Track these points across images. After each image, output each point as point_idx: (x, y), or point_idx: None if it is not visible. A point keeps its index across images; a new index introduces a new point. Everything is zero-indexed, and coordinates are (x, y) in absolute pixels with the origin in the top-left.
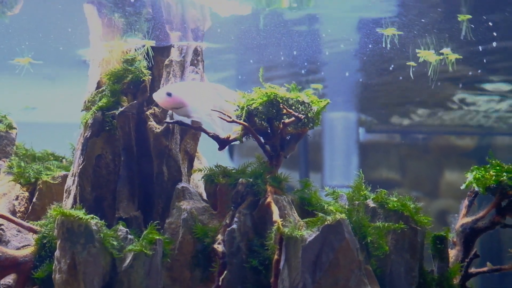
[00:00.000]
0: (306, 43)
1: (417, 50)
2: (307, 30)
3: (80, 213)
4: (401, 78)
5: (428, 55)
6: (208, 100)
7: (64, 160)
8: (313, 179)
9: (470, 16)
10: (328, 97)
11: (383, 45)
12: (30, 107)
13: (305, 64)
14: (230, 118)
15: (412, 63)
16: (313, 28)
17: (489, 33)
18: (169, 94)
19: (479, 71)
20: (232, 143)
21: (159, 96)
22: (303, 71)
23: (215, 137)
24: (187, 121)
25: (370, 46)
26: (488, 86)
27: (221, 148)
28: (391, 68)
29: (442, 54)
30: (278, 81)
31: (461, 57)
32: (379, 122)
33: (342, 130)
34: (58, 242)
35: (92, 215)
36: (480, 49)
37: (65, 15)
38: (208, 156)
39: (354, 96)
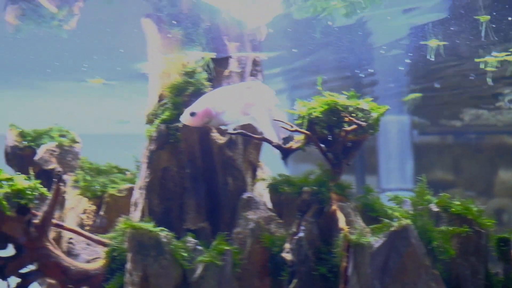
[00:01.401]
0: (357, 47)
1: (475, 60)
2: (358, 34)
3: (150, 226)
4: (453, 79)
5: (489, 60)
6: (239, 102)
7: (128, 172)
8: (369, 182)
9: (489, 17)
10: (381, 101)
11: (429, 57)
12: (124, 121)
13: (357, 68)
14: (292, 127)
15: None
16: (364, 32)
17: None
18: (192, 114)
19: None
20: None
21: (185, 119)
22: (357, 75)
23: (278, 147)
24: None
25: (420, 49)
26: None
27: (284, 157)
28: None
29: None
30: (329, 85)
31: None
32: (432, 124)
33: (396, 133)
34: (129, 255)
35: (161, 228)
36: None
37: (120, 30)
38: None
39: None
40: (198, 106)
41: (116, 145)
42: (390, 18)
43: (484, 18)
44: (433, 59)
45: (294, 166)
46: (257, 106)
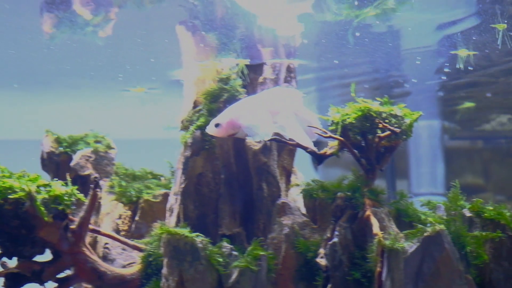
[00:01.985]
0: (389, 54)
1: None
2: (390, 41)
3: (186, 231)
4: (482, 85)
5: None
6: (264, 112)
7: (162, 178)
8: (399, 187)
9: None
10: (411, 106)
11: (458, 66)
12: (171, 126)
13: (389, 75)
14: (327, 133)
15: None
16: (396, 39)
17: None
18: (217, 125)
19: None
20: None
21: (210, 130)
22: (386, 80)
23: (313, 153)
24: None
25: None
26: None
27: (319, 163)
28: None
29: None
30: (359, 86)
31: None
32: (462, 129)
33: (426, 137)
34: (165, 260)
35: (197, 233)
36: None
37: (154, 36)
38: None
39: (437, 104)
40: (223, 117)
41: (149, 150)
42: (421, 19)
43: (501, 26)
44: (462, 68)
45: (324, 171)
46: (283, 114)
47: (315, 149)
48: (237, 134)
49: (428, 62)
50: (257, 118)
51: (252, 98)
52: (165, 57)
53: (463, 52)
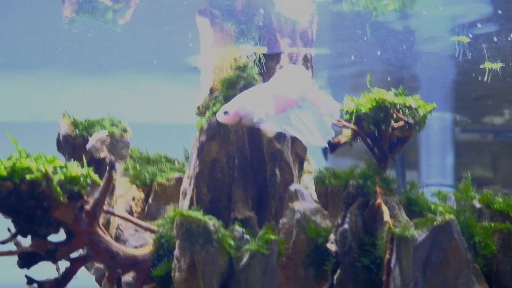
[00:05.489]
0: (400, 42)
1: None
2: (405, 33)
3: (199, 214)
4: (494, 77)
5: None
6: (268, 102)
7: (176, 162)
8: (409, 177)
9: None
10: (424, 98)
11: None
12: None
13: (398, 64)
14: (341, 123)
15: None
16: (411, 32)
17: None
18: (225, 113)
19: None
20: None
21: (219, 117)
22: (399, 72)
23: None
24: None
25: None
26: None
27: (331, 151)
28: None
29: None
30: (375, 83)
31: None
32: (473, 122)
33: (438, 129)
34: (178, 242)
35: (209, 216)
36: None
37: (174, 24)
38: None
39: (449, 97)
40: (231, 105)
41: (163, 135)
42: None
43: None
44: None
45: (334, 160)
46: (292, 109)
47: (322, 143)
48: (243, 121)
49: (443, 54)
50: (258, 107)
51: (263, 85)
52: (183, 44)
53: (489, 65)
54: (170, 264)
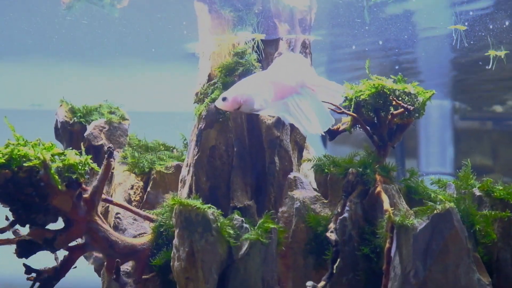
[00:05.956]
0: (399, 28)
1: None
2: (404, 22)
3: (198, 203)
4: (494, 65)
5: None
6: (266, 89)
7: (174, 150)
8: (408, 165)
9: None
10: (423, 85)
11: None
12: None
13: (397, 50)
14: (340, 109)
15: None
16: (410, 21)
17: None
18: (224, 99)
19: None
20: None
21: (218, 104)
22: (398, 58)
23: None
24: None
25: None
26: None
27: (331, 138)
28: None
29: None
30: (373, 70)
31: None
32: (473, 109)
33: (437, 117)
34: (177, 231)
35: (209, 205)
36: None
37: (172, 10)
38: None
39: (449, 84)
40: (230, 92)
41: (161, 123)
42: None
43: None
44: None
45: (333, 148)
46: (290, 96)
47: (319, 131)
48: (242, 108)
49: (442, 41)
50: (257, 94)
51: (262, 73)
52: (181, 30)
53: (493, 53)
54: (169, 253)
